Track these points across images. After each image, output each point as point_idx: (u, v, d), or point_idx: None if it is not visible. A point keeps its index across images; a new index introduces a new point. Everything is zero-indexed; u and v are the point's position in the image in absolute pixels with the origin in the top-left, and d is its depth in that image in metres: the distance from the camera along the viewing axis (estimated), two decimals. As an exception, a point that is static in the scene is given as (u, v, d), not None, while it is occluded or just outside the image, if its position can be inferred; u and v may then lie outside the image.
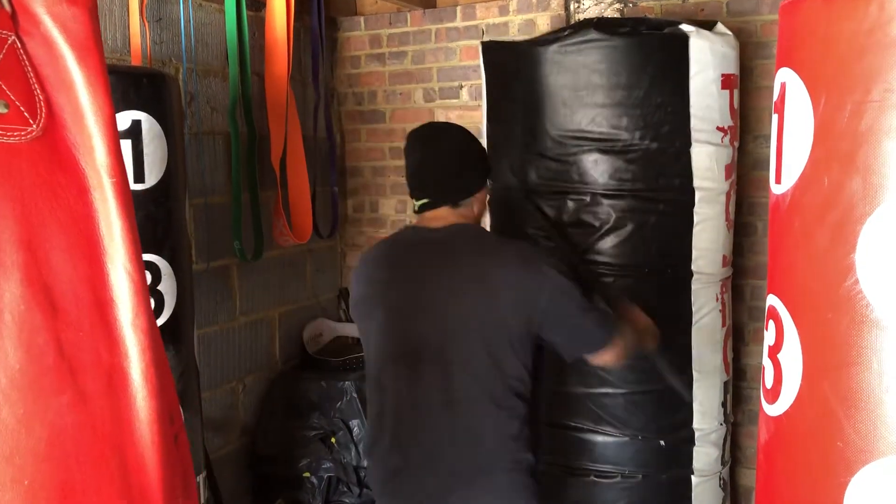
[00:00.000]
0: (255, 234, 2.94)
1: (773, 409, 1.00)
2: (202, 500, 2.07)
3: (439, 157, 1.73)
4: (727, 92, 2.09)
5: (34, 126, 0.63)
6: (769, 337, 1.02)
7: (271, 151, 2.94)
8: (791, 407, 0.94)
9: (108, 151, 0.66)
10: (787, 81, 0.95)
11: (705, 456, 2.16)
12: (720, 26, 2.17)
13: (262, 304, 3.17)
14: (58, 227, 0.64)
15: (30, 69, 0.62)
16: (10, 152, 0.63)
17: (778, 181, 0.98)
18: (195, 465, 2.01)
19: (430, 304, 1.64)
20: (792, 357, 0.93)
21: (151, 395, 0.70)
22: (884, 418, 0.82)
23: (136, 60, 2.34)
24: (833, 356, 0.87)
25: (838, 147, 0.85)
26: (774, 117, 1.00)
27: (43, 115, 0.64)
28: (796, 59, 0.93)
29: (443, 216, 1.71)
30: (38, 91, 0.63)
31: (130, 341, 0.68)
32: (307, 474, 3.03)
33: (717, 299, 2.13)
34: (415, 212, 1.79)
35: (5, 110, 0.62)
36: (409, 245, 1.77)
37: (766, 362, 1.02)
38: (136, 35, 2.34)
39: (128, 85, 1.76)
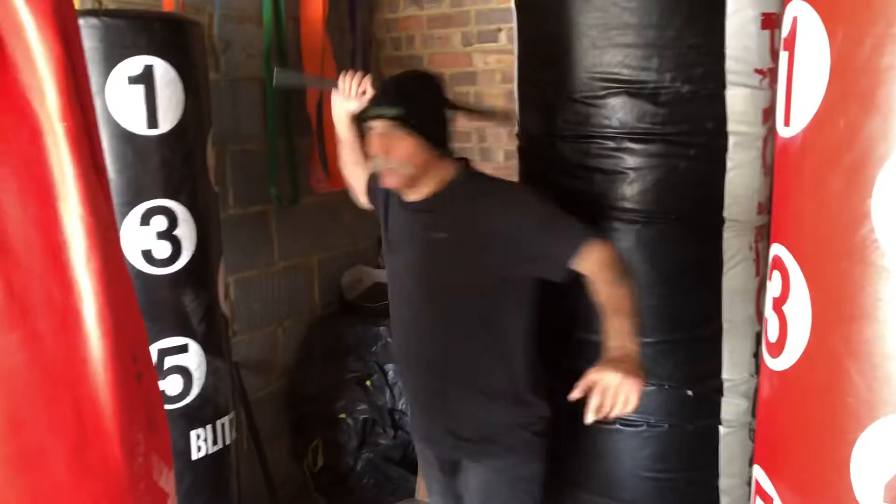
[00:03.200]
0: (290, 180, 2.97)
1: (776, 364, 0.96)
2: (231, 440, 2.14)
3: None
4: (767, 32, 2.00)
5: None
6: (773, 288, 0.98)
7: (307, 98, 2.94)
8: (798, 361, 0.90)
9: (59, 95, 0.66)
10: (800, 15, 0.90)
11: (734, 407, 2.13)
12: (762, -38, 2.06)
13: (301, 249, 3.22)
14: (8, 169, 0.65)
15: None
16: None
17: (787, 123, 0.93)
18: (224, 405, 2.09)
19: None
20: (799, 309, 0.89)
21: (106, 335, 0.71)
22: (899, 373, 0.78)
23: (168, 7, 2.35)
24: (844, 308, 0.82)
25: (856, 85, 0.78)
26: (783, 55, 0.94)
27: None
28: (809, -9, 0.87)
29: None
30: None
31: (84, 283, 0.70)
32: (343, 416, 3.11)
33: (751, 248, 2.07)
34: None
35: None
36: None
37: (770, 314, 0.99)
38: (167, -19, 2.35)
39: (139, 30, 1.76)
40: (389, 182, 1.82)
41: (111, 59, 1.75)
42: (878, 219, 0.78)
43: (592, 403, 1.51)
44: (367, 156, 1.91)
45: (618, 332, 1.63)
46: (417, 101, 1.79)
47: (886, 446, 0.80)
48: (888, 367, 0.79)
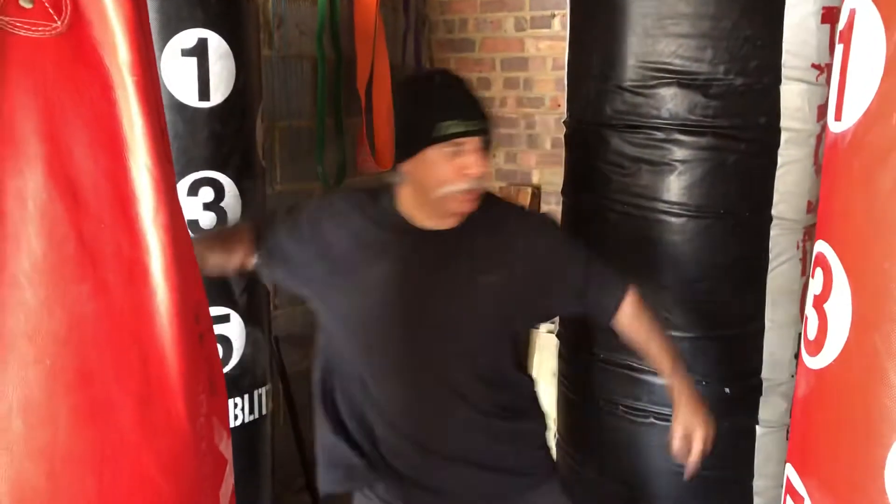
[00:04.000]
0: (338, 159, 2.99)
1: (814, 362, 0.94)
2: (267, 410, 2.17)
3: None
4: (827, 26, 1.95)
5: (59, 22, 0.65)
6: (815, 285, 0.96)
7: (357, 77, 2.95)
8: (835, 360, 0.88)
9: (129, 50, 0.67)
10: (858, 7, 0.87)
11: (773, 407, 2.09)
12: (827, -46, 2.01)
13: (345, 228, 3.24)
14: (81, 122, 0.67)
15: None
16: (35, 47, 0.65)
17: (838, 118, 0.91)
18: (261, 377, 2.12)
19: None
20: (840, 307, 0.87)
21: (172, 290, 0.72)
22: (937, 377, 0.77)
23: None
24: (886, 308, 0.80)
25: (911, 80, 0.77)
26: (839, 48, 0.92)
27: (68, 12, 0.66)
28: (869, -19, 0.85)
29: None
30: None
31: (151, 237, 0.71)
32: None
33: (798, 247, 2.03)
34: None
35: (30, 5, 0.65)
36: None
37: (810, 312, 0.97)
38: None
39: (195, 3, 1.79)
40: (472, 206, 1.60)
41: (167, 31, 1.79)
42: (925, 219, 0.76)
43: (691, 460, 1.64)
44: (440, 181, 1.55)
45: (678, 375, 1.71)
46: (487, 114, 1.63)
47: (923, 451, 0.78)
48: (929, 371, 0.78)
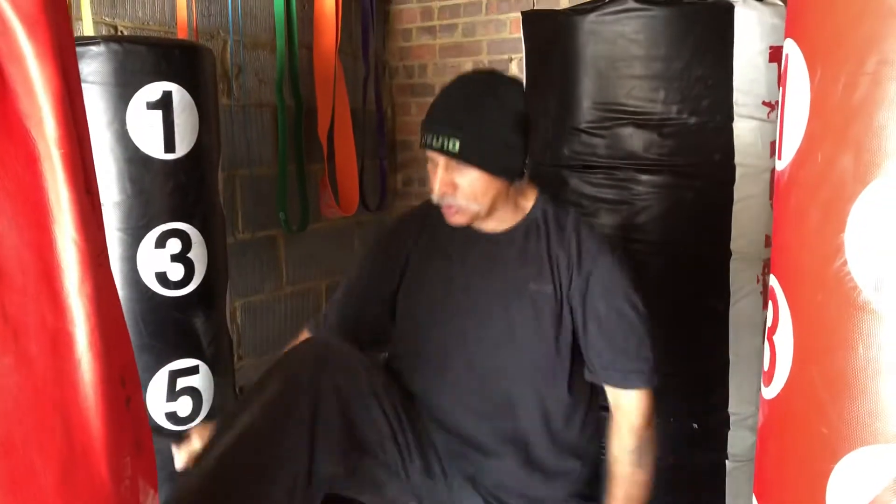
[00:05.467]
0: (301, 205, 2.99)
1: (767, 392, 0.97)
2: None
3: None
4: (775, 65, 2.00)
5: None
6: (769, 318, 0.98)
7: (318, 124, 2.97)
8: (782, 391, 0.91)
9: (57, 123, 0.67)
10: (790, 52, 0.91)
11: (741, 440, 2.10)
12: (772, -5, 2.07)
13: (309, 275, 3.23)
14: (4, 195, 0.67)
15: None
16: None
17: (779, 157, 0.94)
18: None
19: None
20: (785, 339, 0.90)
21: (96, 358, 0.72)
22: (868, 406, 0.78)
23: (182, 33, 2.39)
24: (822, 340, 0.83)
25: (832, 121, 0.80)
26: (779, 91, 0.95)
27: None
28: (797, 29, 0.88)
29: None
30: None
31: (76, 307, 0.71)
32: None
33: (758, 281, 2.06)
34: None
35: None
36: None
37: (766, 344, 0.99)
38: (182, 8, 2.39)
39: (159, 56, 1.80)
40: (456, 220, 1.54)
41: (131, 85, 1.79)
42: (851, 252, 0.79)
43: None
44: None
45: None
46: (483, 126, 1.46)
47: (860, 478, 0.80)
48: (860, 400, 0.80)
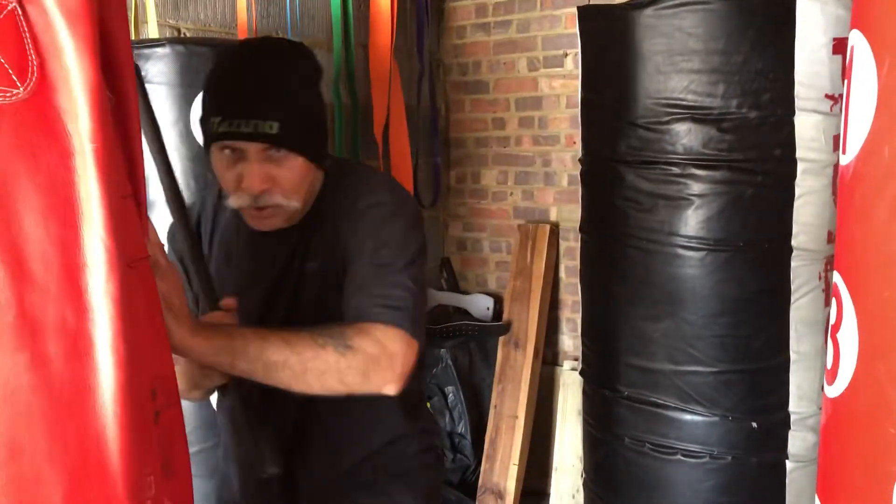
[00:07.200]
0: (357, 202, 3.02)
1: (831, 391, 0.95)
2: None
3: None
4: (839, 57, 1.95)
5: (20, 89, 0.64)
6: (832, 316, 0.97)
7: (374, 121, 3.00)
8: (846, 389, 0.89)
9: (91, 118, 0.66)
10: (856, 44, 0.89)
11: (802, 441, 2.06)
12: (836, -14, 2.02)
13: (365, 270, 3.26)
14: (34, 189, 0.65)
15: (27, 34, 0.64)
16: None
17: (844, 151, 0.92)
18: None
19: None
20: (849, 337, 0.88)
21: (118, 365, 0.68)
22: (938, 406, 0.77)
23: (242, 34, 2.44)
24: (889, 337, 0.81)
25: (901, 114, 0.79)
26: (845, 83, 0.93)
27: (34, 79, 0.65)
28: (865, 20, 0.86)
29: None
30: (33, 56, 0.65)
31: (99, 308, 0.67)
32: (403, 437, 3.12)
33: (820, 278, 2.01)
34: None
35: None
36: None
37: (829, 342, 0.97)
38: (241, 10, 2.44)
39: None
40: (269, 224, 1.29)
41: (195, 85, 1.83)
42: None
43: None
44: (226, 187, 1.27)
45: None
46: (298, 104, 1.25)
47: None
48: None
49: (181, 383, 1.01)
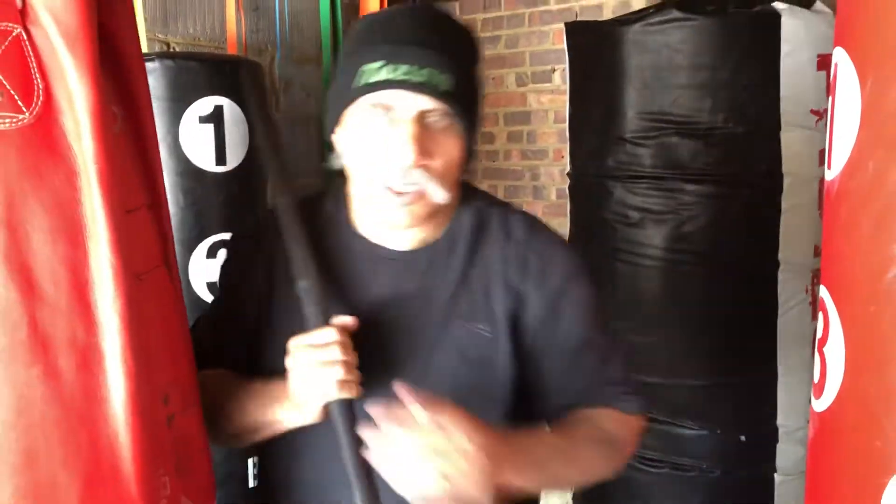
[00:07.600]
0: (346, 216, 3.03)
1: (818, 405, 0.95)
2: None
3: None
4: (824, 73, 1.98)
5: (26, 114, 0.67)
6: (819, 329, 0.97)
7: (363, 136, 3.01)
8: (833, 403, 0.89)
9: (93, 138, 0.68)
10: (839, 61, 0.90)
11: (790, 454, 2.06)
12: (819, 4, 2.05)
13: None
14: (41, 209, 0.68)
15: (33, 59, 0.66)
16: (0, 138, 0.66)
17: (829, 166, 0.94)
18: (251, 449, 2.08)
19: None
20: (836, 351, 0.89)
21: (128, 375, 0.71)
22: (924, 419, 0.77)
23: (231, 49, 2.45)
24: (875, 351, 0.82)
25: (884, 130, 0.79)
26: (829, 100, 0.95)
27: (39, 103, 0.67)
28: (848, 37, 0.88)
29: None
30: (39, 80, 0.67)
31: (108, 323, 0.70)
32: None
33: (807, 291, 2.03)
34: None
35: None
36: None
37: (816, 356, 0.98)
38: (231, 24, 2.45)
39: (210, 72, 1.85)
40: (410, 214, 0.99)
41: (184, 100, 1.85)
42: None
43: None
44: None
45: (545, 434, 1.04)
46: (471, 70, 1.00)
47: (916, 493, 0.78)
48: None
49: None
